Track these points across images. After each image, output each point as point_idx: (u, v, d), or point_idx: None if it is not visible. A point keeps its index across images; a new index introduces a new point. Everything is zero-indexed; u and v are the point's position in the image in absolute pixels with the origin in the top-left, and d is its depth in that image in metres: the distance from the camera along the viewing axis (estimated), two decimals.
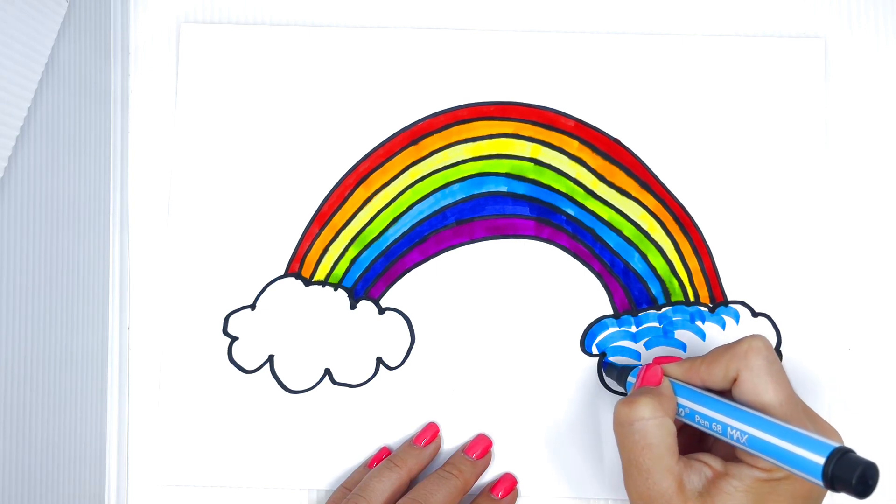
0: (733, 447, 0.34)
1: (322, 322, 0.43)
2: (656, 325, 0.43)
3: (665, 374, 0.37)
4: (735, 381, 0.34)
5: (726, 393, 0.35)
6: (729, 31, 0.45)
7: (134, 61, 0.45)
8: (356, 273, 0.44)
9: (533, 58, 0.44)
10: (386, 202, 0.44)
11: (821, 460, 0.30)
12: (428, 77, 0.44)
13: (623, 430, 0.35)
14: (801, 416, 0.33)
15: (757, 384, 0.34)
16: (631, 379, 0.39)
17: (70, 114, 0.40)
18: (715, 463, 0.34)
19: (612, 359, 0.43)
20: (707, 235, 0.43)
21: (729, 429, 0.33)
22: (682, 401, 0.36)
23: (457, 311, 0.43)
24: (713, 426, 0.34)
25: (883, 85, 0.44)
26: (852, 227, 0.44)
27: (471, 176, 0.44)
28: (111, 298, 0.43)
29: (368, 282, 0.44)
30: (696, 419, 0.35)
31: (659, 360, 0.38)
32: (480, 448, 0.41)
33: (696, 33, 0.45)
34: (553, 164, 0.44)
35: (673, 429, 0.34)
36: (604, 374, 0.42)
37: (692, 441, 0.38)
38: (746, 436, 0.32)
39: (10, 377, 0.35)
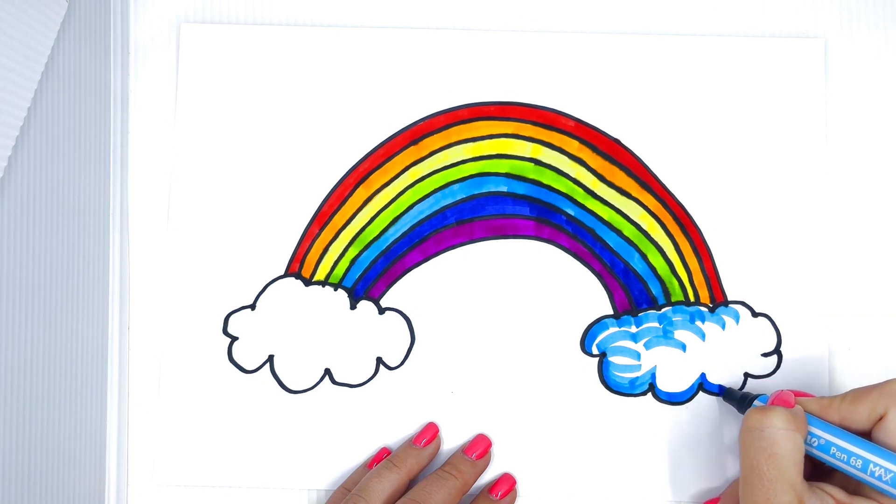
0: (862, 483, 0.34)
1: (322, 322, 0.43)
2: (656, 325, 0.43)
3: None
4: (881, 419, 0.34)
5: (864, 434, 0.35)
6: (729, 31, 0.45)
7: (134, 61, 0.45)
8: (356, 273, 0.44)
9: (533, 58, 0.44)
10: (386, 202, 0.44)
11: None
12: (428, 77, 0.44)
13: (751, 436, 0.34)
14: None
15: None
16: (758, 403, 0.38)
17: (70, 114, 0.40)
18: (840, 495, 0.34)
19: (730, 387, 0.42)
20: (707, 235, 0.43)
21: (871, 465, 0.33)
22: (817, 431, 0.35)
23: (457, 311, 0.43)
24: (852, 461, 0.34)
25: (883, 85, 0.44)
26: (852, 227, 0.44)
27: (471, 176, 0.44)
28: (111, 298, 0.43)
29: (368, 282, 0.44)
30: (832, 451, 0.35)
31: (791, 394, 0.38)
32: (480, 448, 0.41)
33: (696, 33, 0.45)
34: (553, 164, 0.44)
35: (802, 447, 0.34)
36: (723, 399, 0.42)
37: (810, 473, 0.37)
38: (892, 474, 0.32)
39: (11, 377, 0.35)
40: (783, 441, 0.34)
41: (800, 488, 0.33)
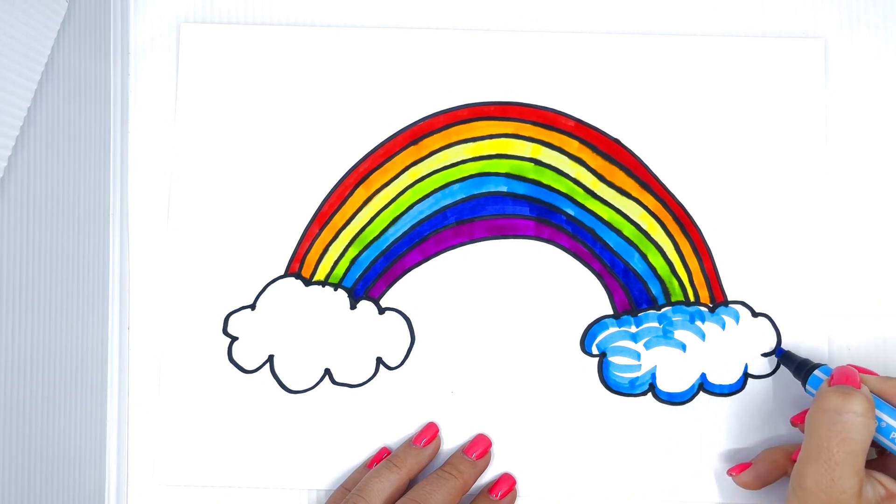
0: None
1: (322, 322, 0.43)
2: (656, 325, 0.43)
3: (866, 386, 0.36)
4: None
5: None
6: (729, 31, 0.45)
7: (134, 61, 0.45)
8: (356, 273, 0.44)
9: (533, 58, 0.44)
10: (386, 202, 0.44)
11: None
12: (428, 77, 0.44)
13: (827, 417, 0.34)
14: None
15: None
16: (819, 374, 0.38)
17: (70, 114, 0.40)
18: (889, 483, 0.35)
19: (789, 350, 0.42)
20: (707, 235, 0.43)
21: None
22: (881, 414, 0.35)
23: (457, 311, 0.43)
24: None
25: (883, 85, 0.44)
26: (852, 227, 0.44)
27: (471, 176, 0.44)
28: (111, 298, 0.43)
29: (368, 282, 0.44)
30: (892, 436, 0.35)
31: (856, 369, 0.38)
32: (480, 448, 0.41)
33: (696, 33, 0.45)
34: (553, 164, 0.44)
35: (873, 434, 0.34)
36: (780, 363, 0.42)
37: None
38: None
39: (10, 377, 0.35)
40: (860, 428, 0.34)
41: (862, 474, 0.34)
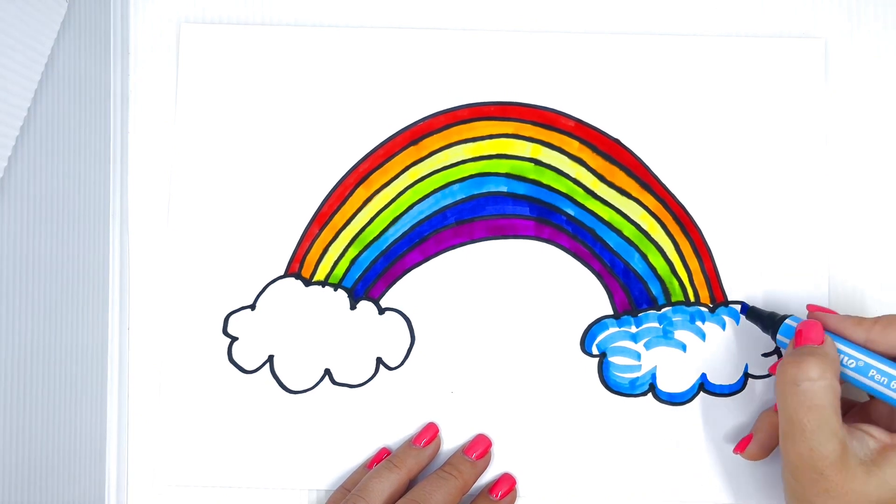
0: (893, 418, 0.34)
1: (322, 322, 0.43)
2: (656, 325, 0.43)
3: (824, 327, 0.36)
4: None
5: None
6: (729, 31, 0.45)
7: (134, 61, 0.45)
8: (356, 273, 0.44)
9: (533, 58, 0.44)
10: (386, 202, 0.44)
11: None
12: (428, 77, 0.44)
13: (787, 390, 0.34)
14: None
15: None
16: (782, 338, 0.38)
17: (70, 114, 0.40)
18: (879, 434, 0.34)
19: (755, 306, 0.41)
20: (707, 235, 0.43)
21: None
22: (855, 353, 0.35)
23: (457, 311, 0.43)
24: (893, 384, 0.33)
25: (883, 85, 0.44)
26: (852, 228, 0.44)
27: (471, 176, 0.44)
28: (111, 298, 0.43)
29: (368, 282, 0.44)
30: (871, 374, 0.34)
31: (813, 308, 0.38)
32: (480, 448, 0.41)
33: (696, 33, 0.45)
34: (553, 164, 0.44)
35: (839, 390, 0.34)
36: (745, 318, 0.41)
37: (847, 414, 0.37)
38: None
39: (10, 377, 0.35)
40: (820, 392, 0.33)
41: (841, 434, 0.33)
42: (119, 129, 0.44)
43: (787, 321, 0.38)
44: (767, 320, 0.39)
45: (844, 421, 0.35)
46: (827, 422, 0.33)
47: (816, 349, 0.35)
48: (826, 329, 0.36)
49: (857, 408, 0.38)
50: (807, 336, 0.36)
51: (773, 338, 0.39)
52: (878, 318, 0.36)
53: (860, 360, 0.35)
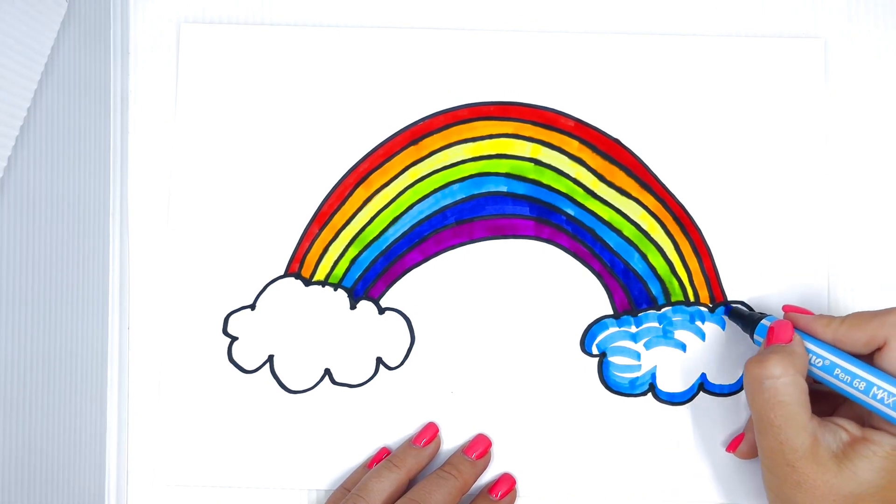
0: (869, 412, 0.34)
1: (322, 322, 0.43)
2: (656, 325, 0.43)
3: (795, 327, 0.37)
4: (881, 349, 0.34)
5: (863, 359, 0.35)
6: (729, 31, 0.45)
7: (134, 61, 0.45)
8: (356, 273, 0.44)
9: (533, 58, 0.44)
10: (386, 202, 0.44)
11: None
12: (428, 77, 0.44)
13: (753, 388, 0.35)
14: None
15: None
16: (758, 338, 0.39)
17: (70, 114, 0.40)
18: (851, 427, 0.34)
19: (737, 306, 0.42)
20: (707, 235, 0.43)
21: (874, 388, 0.33)
22: (822, 352, 0.36)
23: (457, 311, 0.43)
24: (855, 383, 0.34)
25: (883, 85, 0.44)
26: (852, 227, 0.44)
27: (471, 176, 0.44)
28: (111, 298, 0.43)
29: (368, 282, 0.44)
30: (836, 373, 0.35)
31: (788, 309, 0.39)
32: (480, 448, 0.41)
33: (696, 33, 0.45)
34: (553, 164, 0.44)
35: (805, 386, 0.34)
36: (729, 319, 0.42)
37: (819, 407, 0.37)
38: (895, 398, 0.33)
39: (10, 377, 0.35)
40: (784, 388, 0.34)
41: (811, 427, 0.34)
42: (119, 129, 0.44)
43: (763, 321, 0.39)
44: (747, 320, 0.40)
45: (836, 415, 0.36)
46: (794, 417, 0.34)
47: (782, 348, 0.36)
48: (797, 328, 0.37)
49: (847, 403, 0.38)
50: (777, 335, 0.37)
51: (752, 337, 0.39)
52: (845, 317, 0.36)
53: (826, 358, 0.36)
